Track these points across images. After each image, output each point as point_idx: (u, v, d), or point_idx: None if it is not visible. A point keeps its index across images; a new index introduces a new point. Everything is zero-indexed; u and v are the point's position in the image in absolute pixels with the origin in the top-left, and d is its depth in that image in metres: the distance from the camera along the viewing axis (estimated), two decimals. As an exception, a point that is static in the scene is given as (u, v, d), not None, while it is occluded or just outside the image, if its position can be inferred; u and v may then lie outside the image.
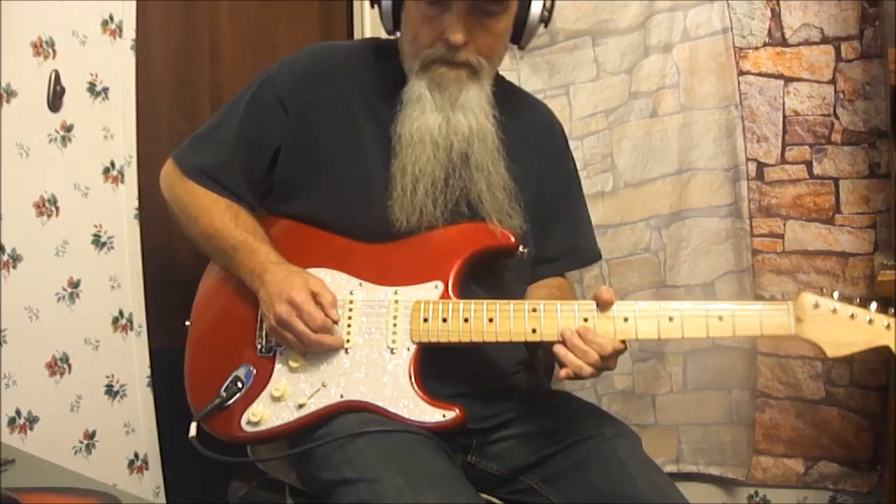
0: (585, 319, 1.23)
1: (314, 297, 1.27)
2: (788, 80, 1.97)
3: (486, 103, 1.33)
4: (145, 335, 1.82)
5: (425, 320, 1.28)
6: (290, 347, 1.30)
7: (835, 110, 1.94)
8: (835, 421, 2.00)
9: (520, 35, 1.36)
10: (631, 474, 1.24)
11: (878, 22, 1.86)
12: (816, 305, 1.19)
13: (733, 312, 1.21)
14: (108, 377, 1.74)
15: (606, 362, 1.21)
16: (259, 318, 1.35)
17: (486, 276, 1.37)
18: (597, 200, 2.11)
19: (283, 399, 1.28)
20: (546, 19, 1.37)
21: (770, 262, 2.02)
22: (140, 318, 1.81)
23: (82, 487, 1.14)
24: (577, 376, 1.20)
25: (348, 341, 1.30)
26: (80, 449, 1.66)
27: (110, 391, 1.74)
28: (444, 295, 1.30)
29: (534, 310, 1.25)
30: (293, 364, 1.30)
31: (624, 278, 2.13)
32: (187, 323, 1.43)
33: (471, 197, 1.34)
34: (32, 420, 1.56)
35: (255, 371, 1.31)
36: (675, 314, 1.21)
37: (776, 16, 1.96)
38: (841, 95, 1.93)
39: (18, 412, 1.54)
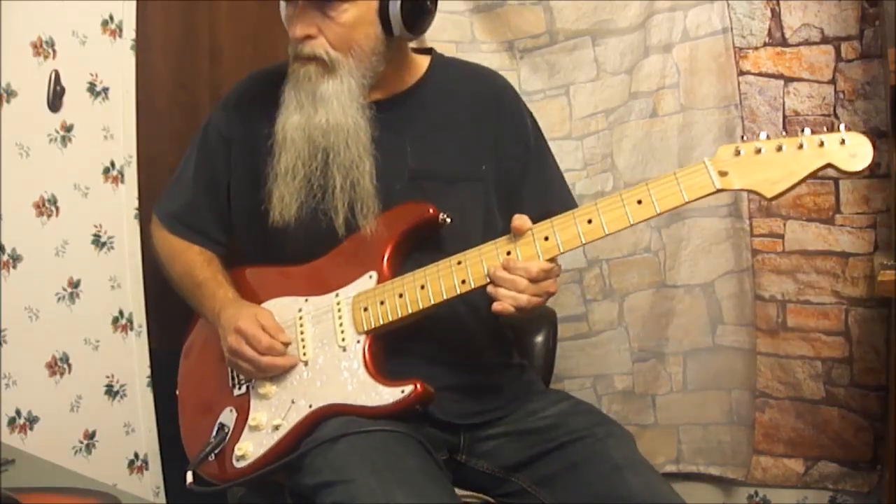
0: (508, 253, 1.23)
1: (262, 327, 1.31)
2: (788, 80, 1.97)
3: (346, 98, 1.31)
4: (145, 335, 1.82)
5: (365, 309, 1.29)
6: (249, 376, 1.34)
7: (835, 110, 1.94)
8: (835, 421, 1.99)
9: (388, 25, 1.31)
10: (624, 475, 1.23)
11: (878, 22, 1.86)
12: (738, 152, 1.13)
13: (650, 191, 1.17)
14: (108, 377, 1.74)
15: (540, 286, 1.21)
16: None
17: (440, 256, 1.32)
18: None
19: (261, 427, 1.31)
20: (425, 9, 1.32)
21: (770, 261, 2.02)
22: (140, 318, 1.81)
23: (82, 487, 1.14)
24: (517, 309, 1.19)
25: (305, 354, 1.32)
26: (80, 449, 1.67)
27: (110, 391, 1.75)
28: (380, 282, 1.31)
29: (458, 262, 1.25)
30: (263, 392, 1.33)
31: (624, 278, 2.13)
32: (178, 392, 1.49)
33: (327, 192, 1.33)
34: (32, 420, 1.56)
35: (236, 411, 1.35)
36: (593, 214, 1.19)
37: (776, 16, 1.96)
38: (841, 95, 1.93)
39: (18, 412, 1.54)
